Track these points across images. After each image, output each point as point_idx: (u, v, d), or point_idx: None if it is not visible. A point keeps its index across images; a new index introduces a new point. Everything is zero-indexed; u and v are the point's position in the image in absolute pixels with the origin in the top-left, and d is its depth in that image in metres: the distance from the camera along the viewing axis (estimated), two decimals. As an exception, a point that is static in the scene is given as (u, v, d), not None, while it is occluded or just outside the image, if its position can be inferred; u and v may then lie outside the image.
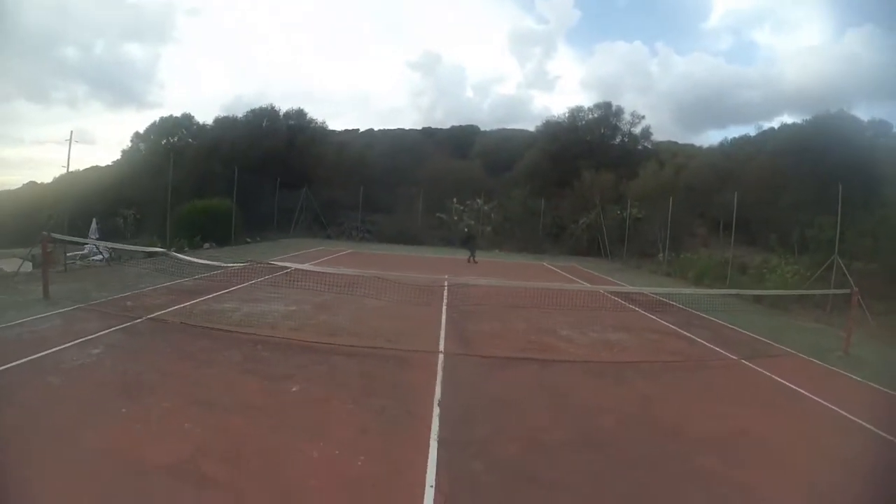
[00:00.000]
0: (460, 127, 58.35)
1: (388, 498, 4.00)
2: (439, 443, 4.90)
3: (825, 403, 6.85)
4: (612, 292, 14.59)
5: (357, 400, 5.88)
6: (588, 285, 15.79)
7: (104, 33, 77.14)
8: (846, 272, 14.47)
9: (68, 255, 16.21)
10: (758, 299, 14.90)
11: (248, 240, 28.47)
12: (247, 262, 13.21)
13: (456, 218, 35.30)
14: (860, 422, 6.23)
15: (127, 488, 3.93)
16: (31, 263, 14.71)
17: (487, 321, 10.33)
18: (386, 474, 4.31)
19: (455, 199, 36.06)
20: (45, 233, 11.16)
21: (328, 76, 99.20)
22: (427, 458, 4.62)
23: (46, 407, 5.31)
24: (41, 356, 6.81)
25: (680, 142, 50.18)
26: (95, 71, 73.30)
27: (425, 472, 4.36)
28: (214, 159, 35.74)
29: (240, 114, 44.67)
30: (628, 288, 16.13)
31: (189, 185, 29.54)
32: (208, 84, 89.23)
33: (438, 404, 5.79)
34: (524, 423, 5.61)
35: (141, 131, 43.64)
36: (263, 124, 42.86)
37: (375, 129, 57.39)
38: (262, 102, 45.50)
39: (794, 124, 39.48)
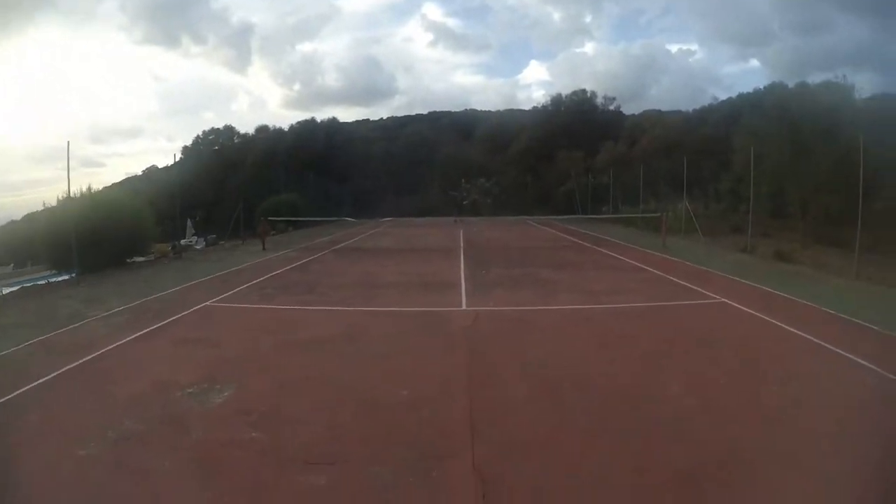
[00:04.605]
0: (463, 112, 69.59)
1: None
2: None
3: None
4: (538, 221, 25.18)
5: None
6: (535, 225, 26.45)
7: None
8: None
9: (182, 242, 23.72)
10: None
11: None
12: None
13: (465, 194, 45.77)
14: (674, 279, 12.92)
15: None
16: (204, 242, 25.25)
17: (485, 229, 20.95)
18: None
19: (463, 180, 46.61)
20: (262, 217, 22.09)
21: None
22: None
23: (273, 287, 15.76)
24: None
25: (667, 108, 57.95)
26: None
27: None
28: (268, 164, 45.82)
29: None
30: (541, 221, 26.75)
31: (252, 185, 39.32)
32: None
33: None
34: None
35: (189, 144, 55.06)
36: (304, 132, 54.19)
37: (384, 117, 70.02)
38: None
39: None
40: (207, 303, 10.64)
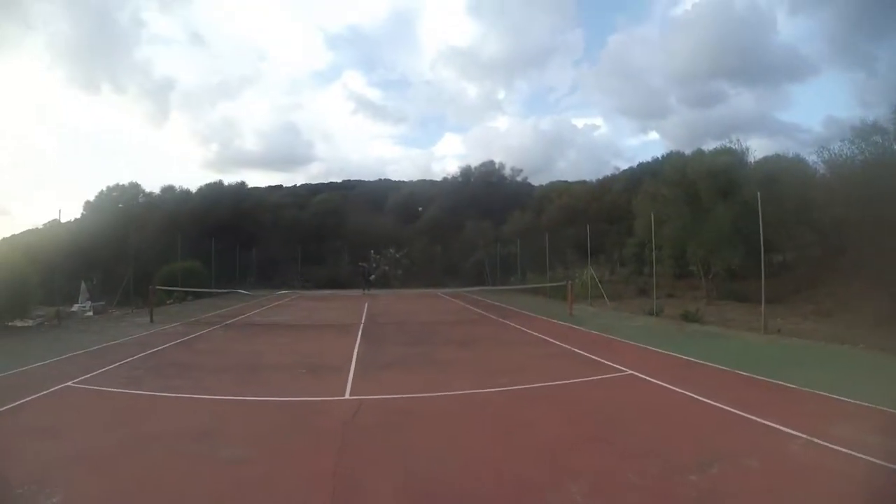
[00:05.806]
0: (377, 181, 69.62)
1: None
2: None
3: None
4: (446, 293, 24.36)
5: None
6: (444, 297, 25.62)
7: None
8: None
9: (75, 307, 23.33)
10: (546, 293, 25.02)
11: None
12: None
13: (374, 265, 44.64)
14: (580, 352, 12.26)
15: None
16: (92, 310, 22.99)
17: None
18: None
19: (373, 251, 45.58)
20: (151, 287, 20.55)
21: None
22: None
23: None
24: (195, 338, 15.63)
25: (573, 179, 59.87)
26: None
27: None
28: (170, 227, 42.41)
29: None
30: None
31: (153, 249, 36.54)
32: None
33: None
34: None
35: (91, 199, 50.90)
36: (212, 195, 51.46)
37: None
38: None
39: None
40: (69, 383, 9.25)
